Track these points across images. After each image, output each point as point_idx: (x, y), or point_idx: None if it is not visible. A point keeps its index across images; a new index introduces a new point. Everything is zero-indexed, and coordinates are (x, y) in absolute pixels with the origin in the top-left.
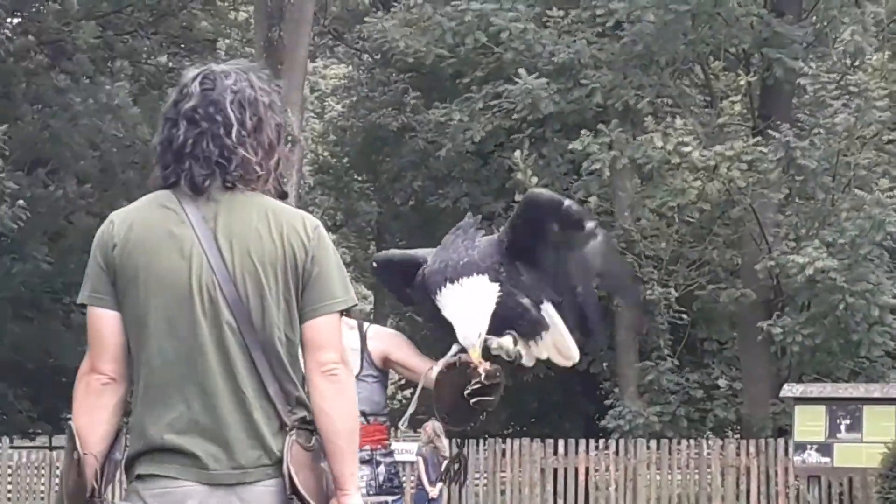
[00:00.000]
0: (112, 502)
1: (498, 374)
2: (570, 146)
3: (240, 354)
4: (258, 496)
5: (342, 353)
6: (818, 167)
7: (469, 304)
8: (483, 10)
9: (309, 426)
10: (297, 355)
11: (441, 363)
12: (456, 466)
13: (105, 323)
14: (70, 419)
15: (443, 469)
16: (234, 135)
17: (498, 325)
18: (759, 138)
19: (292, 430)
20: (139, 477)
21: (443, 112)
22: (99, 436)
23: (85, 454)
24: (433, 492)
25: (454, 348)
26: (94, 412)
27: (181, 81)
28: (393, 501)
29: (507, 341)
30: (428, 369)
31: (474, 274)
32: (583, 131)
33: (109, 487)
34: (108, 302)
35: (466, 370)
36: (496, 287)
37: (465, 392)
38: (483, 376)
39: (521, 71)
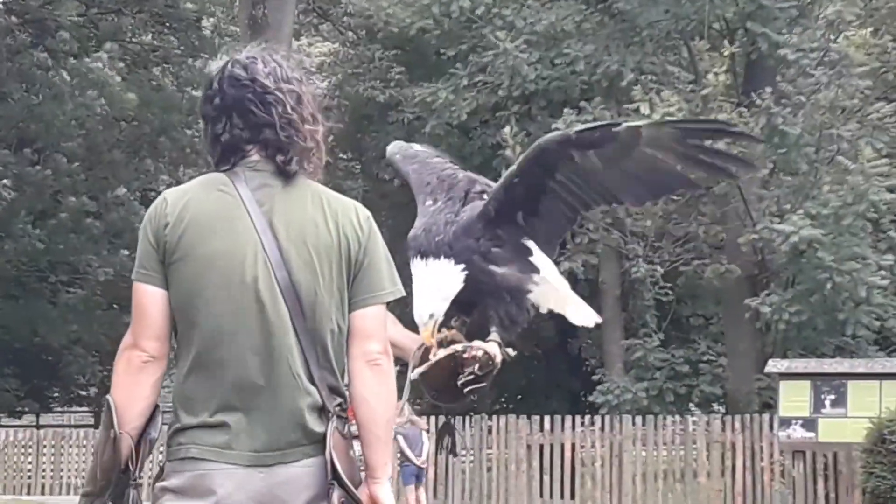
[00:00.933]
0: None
1: (491, 363)
2: (554, 125)
3: (289, 339)
4: (296, 476)
5: (386, 344)
6: (801, 138)
7: (429, 284)
8: None
9: (344, 414)
10: (343, 344)
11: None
12: (447, 438)
13: (151, 300)
14: (106, 395)
15: (436, 437)
16: (282, 116)
17: (469, 300)
18: (742, 109)
19: (333, 416)
20: (179, 456)
21: (429, 91)
22: (136, 412)
23: (121, 433)
24: (421, 461)
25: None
26: (133, 388)
27: (209, 75)
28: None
29: (491, 347)
30: (417, 348)
31: (441, 257)
32: (566, 109)
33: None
34: (156, 279)
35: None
36: (460, 269)
37: (459, 381)
38: (477, 367)
39: (499, 33)
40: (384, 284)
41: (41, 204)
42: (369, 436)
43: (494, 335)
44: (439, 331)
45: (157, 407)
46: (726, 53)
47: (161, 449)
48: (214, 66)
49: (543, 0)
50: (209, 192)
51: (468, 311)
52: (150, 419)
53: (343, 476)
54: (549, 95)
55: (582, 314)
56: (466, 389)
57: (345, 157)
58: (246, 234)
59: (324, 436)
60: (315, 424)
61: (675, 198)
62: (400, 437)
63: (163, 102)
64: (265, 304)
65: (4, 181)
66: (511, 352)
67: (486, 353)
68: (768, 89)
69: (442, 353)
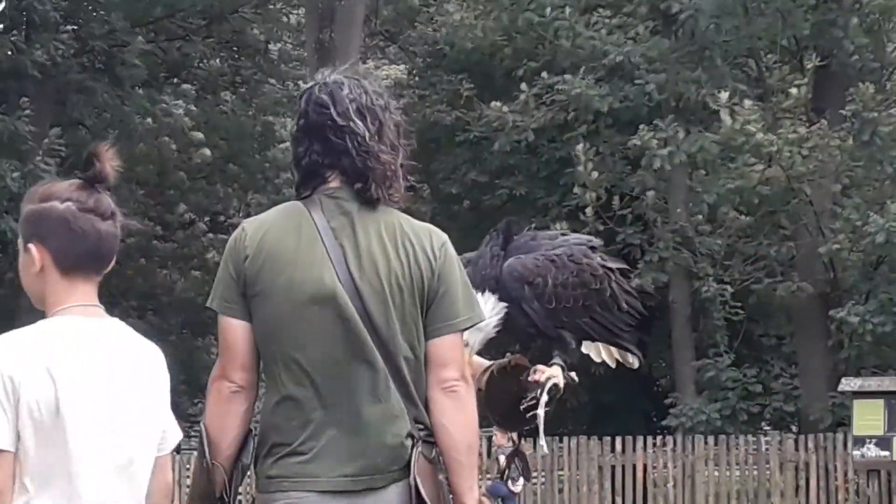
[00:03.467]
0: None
1: (555, 388)
2: (630, 142)
3: (370, 368)
4: (384, 502)
5: (463, 371)
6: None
7: None
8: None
9: (431, 439)
10: (421, 372)
11: (493, 366)
12: (518, 465)
13: (235, 332)
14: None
15: (504, 468)
16: (361, 144)
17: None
18: (822, 122)
19: (418, 442)
20: (270, 489)
21: (496, 115)
22: (228, 441)
23: (214, 463)
24: (517, 487)
25: (508, 355)
26: (224, 418)
27: (300, 98)
28: None
29: (554, 371)
30: (481, 373)
31: (486, 290)
32: (641, 126)
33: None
34: (238, 311)
35: (521, 375)
36: (503, 306)
37: (521, 406)
38: (540, 391)
39: (567, 77)
40: (460, 312)
41: None
42: (452, 462)
43: (557, 359)
44: (503, 356)
45: (249, 432)
46: (808, 67)
47: (250, 475)
48: (304, 88)
49: (610, 28)
50: (287, 223)
51: (529, 341)
52: (243, 446)
53: (427, 501)
54: (618, 115)
55: (628, 357)
56: (529, 414)
57: (412, 179)
58: (321, 265)
59: (409, 462)
60: (401, 450)
61: (744, 216)
62: (501, 457)
63: (233, 128)
64: (344, 334)
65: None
66: (574, 376)
67: (549, 377)
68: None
69: (496, 365)
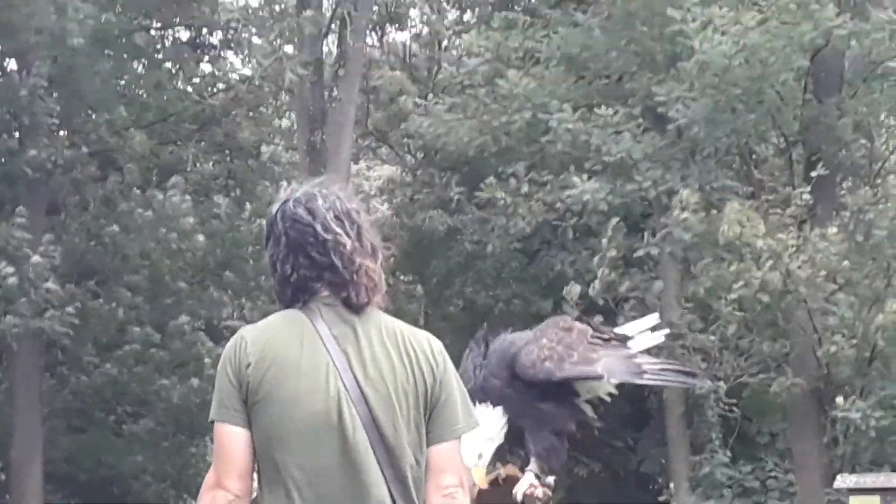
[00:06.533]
0: None
1: (548, 501)
2: (637, 249)
3: (374, 475)
4: None
5: (461, 477)
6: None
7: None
8: (529, 94)
9: None
10: (422, 477)
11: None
12: None
13: (234, 440)
14: None
15: None
16: (345, 256)
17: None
18: (823, 229)
19: None
20: None
21: (488, 194)
22: None
23: None
24: None
25: (499, 467)
26: None
27: (270, 216)
28: None
29: (527, 478)
30: (471, 486)
31: (477, 402)
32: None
33: None
34: (238, 419)
35: (513, 487)
36: (500, 412)
37: None
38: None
39: (575, 179)
40: (459, 419)
41: (106, 336)
42: None
43: (533, 465)
44: (494, 466)
45: None
46: (798, 162)
47: None
48: (275, 206)
49: (607, 125)
50: (289, 331)
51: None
52: None
53: None
54: (611, 212)
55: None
56: None
57: (406, 279)
58: (327, 373)
59: None
60: None
61: (738, 312)
62: None
63: (227, 233)
64: (349, 442)
65: (67, 308)
66: (551, 480)
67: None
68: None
69: (488, 477)
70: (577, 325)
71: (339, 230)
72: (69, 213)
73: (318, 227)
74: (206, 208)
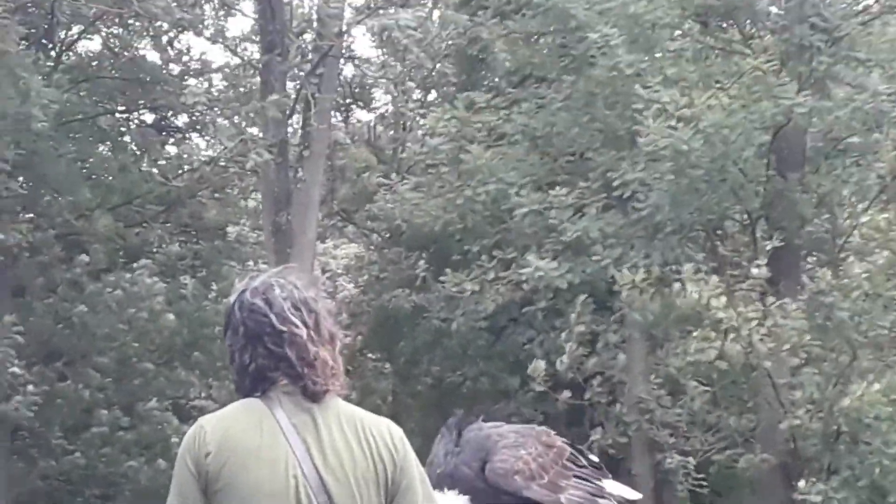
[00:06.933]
0: None
1: None
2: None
3: None
4: None
5: None
6: (852, 320)
7: None
8: (493, 168)
9: None
10: None
11: None
12: None
13: None
14: None
15: None
16: (301, 348)
17: None
18: (784, 300)
19: None
20: None
21: (454, 283)
22: None
23: None
24: None
25: None
26: None
27: (228, 307)
28: None
29: None
30: None
31: (445, 489)
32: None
33: None
34: None
35: None
36: (466, 500)
37: None
38: None
39: (530, 257)
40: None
41: (73, 418)
42: None
43: None
44: None
45: None
46: (761, 239)
47: None
48: (233, 297)
49: (564, 206)
50: (249, 420)
51: None
52: None
53: None
54: (576, 290)
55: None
56: None
57: (374, 357)
58: (287, 462)
59: None
60: None
61: (706, 388)
62: None
63: (195, 313)
64: None
65: (29, 387)
66: None
67: None
68: (811, 271)
69: None
70: (558, 442)
71: (295, 321)
72: (35, 295)
73: (274, 319)
74: (172, 288)
